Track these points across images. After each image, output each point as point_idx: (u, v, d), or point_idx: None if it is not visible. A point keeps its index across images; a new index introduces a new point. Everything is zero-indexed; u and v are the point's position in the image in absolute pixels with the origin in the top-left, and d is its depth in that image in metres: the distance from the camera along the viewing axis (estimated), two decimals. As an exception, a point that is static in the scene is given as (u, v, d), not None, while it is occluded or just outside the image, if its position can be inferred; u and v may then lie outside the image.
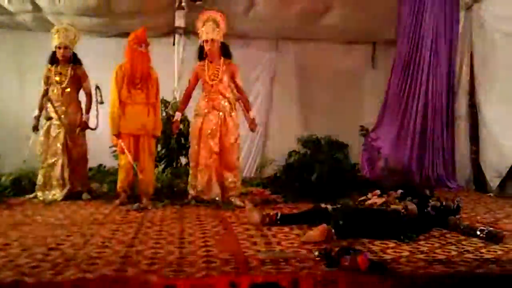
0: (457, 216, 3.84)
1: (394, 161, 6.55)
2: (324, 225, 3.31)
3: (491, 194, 5.97)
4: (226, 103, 5.04)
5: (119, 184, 5.05)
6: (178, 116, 5.27)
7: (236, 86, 5.10)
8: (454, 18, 6.69)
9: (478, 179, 6.52)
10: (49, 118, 5.30)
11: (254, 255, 2.85)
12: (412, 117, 6.68)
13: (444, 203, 3.91)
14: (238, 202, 4.88)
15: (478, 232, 3.41)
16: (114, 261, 2.67)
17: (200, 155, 4.99)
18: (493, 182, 6.10)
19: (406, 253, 2.97)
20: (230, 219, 4.15)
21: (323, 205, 3.89)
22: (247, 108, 5.17)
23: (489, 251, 3.06)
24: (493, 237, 3.31)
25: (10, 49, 7.60)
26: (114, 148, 5.89)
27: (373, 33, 8.04)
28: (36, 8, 6.75)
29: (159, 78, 5.14)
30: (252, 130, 5.22)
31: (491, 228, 3.46)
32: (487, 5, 6.35)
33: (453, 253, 2.99)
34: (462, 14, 6.75)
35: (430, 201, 3.91)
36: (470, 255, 2.93)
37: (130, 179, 5.02)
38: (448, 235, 3.53)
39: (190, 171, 5.15)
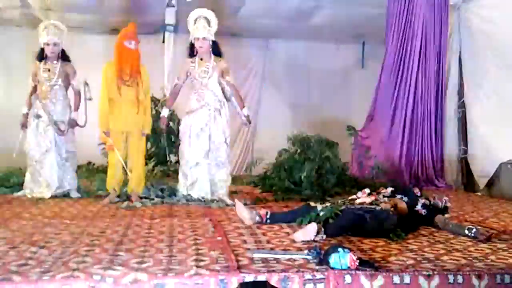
0: (445, 215, 3.87)
1: (384, 160, 6.58)
2: (314, 223, 3.32)
3: (479, 193, 6.03)
4: (216, 101, 5.03)
5: (108, 182, 5.02)
6: (165, 112, 5.24)
7: (228, 83, 5.08)
8: (443, 18, 6.74)
9: (467, 178, 6.58)
10: (37, 116, 5.25)
11: (244, 253, 2.84)
12: (401, 117, 6.72)
13: (432, 202, 3.94)
14: (228, 200, 4.87)
15: (466, 231, 3.44)
16: (103, 259, 2.65)
17: (190, 152, 4.98)
18: (481, 181, 6.16)
19: (395, 252, 2.98)
20: (220, 217, 4.14)
21: (312, 204, 3.90)
22: (240, 104, 5.15)
23: (477, 249, 3.08)
24: (482, 236, 3.33)
25: (-2, 45, 7.54)
26: (103, 146, 5.86)
27: (362, 32, 8.08)
28: (25, 4, 6.70)
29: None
30: (247, 125, 5.20)
31: (479, 227, 3.49)
32: (475, 6, 6.40)
33: (442, 251, 3.01)
34: (451, 15, 6.79)
35: (420, 199, 3.93)
36: (458, 254, 2.95)
37: (119, 177, 4.99)
38: (436, 234, 3.55)
39: (180, 169, 5.14)
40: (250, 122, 5.20)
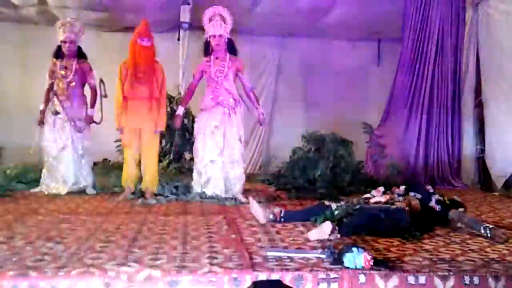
0: (460, 210, 3.81)
1: (399, 158, 6.52)
2: (328, 222, 3.30)
3: (496, 193, 5.95)
4: (231, 99, 5.04)
5: (123, 179, 5.06)
6: (180, 110, 5.27)
7: (243, 82, 5.09)
8: (460, 15, 6.66)
9: (484, 178, 6.49)
10: (55, 113, 5.30)
11: (257, 251, 2.84)
12: (417, 115, 6.65)
13: (446, 199, 3.89)
14: (242, 198, 4.88)
15: (482, 230, 3.39)
16: (117, 256, 2.67)
17: (205, 150, 4.99)
18: (499, 181, 6.07)
19: (410, 252, 2.95)
20: (234, 215, 4.14)
21: (327, 203, 3.88)
22: (256, 103, 5.15)
23: (494, 250, 3.04)
24: (497, 236, 3.28)
25: (15, 43, 7.66)
26: (119, 143, 5.91)
27: (378, 30, 8.02)
28: (42, 1, 6.76)
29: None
30: (263, 125, 5.21)
31: (496, 228, 3.43)
32: (494, 2, 6.30)
33: (458, 252, 2.98)
34: (469, 11, 6.70)
35: (433, 196, 3.89)
36: (475, 254, 2.91)
37: (134, 174, 5.02)
38: (452, 234, 3.51)
39: (194, 167, 5.15)
40: (265, 120, 5.18)
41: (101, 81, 5.37)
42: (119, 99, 4.96)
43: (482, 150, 6.51)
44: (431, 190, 4.07)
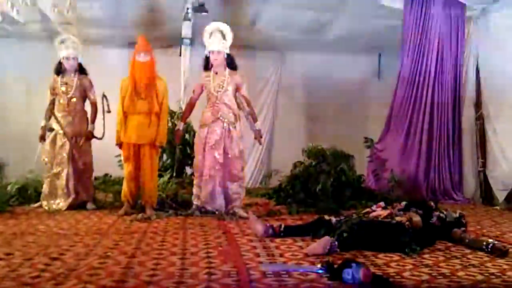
0: (462, 229, 3.81)
1: (400, 172, 6.50)
2: (327, 237, 3.29)
3: (498, 207, 5.92)
4: (231, 114, 5.06)
5: (123, 194, 5.07)
6: (180, 125, 5.30)
7: (243, 98, 5.11)
8: (460, 30, 6.68)
9: (485, 192, 6.46)
10: (51, 130, 5.33)
11: (256, 267, 2.83)
12: (418, 129, 6.64)
13: (445, 214, 3.88)
14: (242, 213, 4.87)
15: (483, 246, 3.37)
16: (115, 272, 2.66)
17: (205, 165, 5.00)
18: (500, 195, 6.04)
19: (410, 267, 2.94)
20: (233, 230, 4.13)
21: (326, 217, 3.88)
22: (253, 119, 5.17)
23: (494, 265, 3.02)
24: (498, 251, 3.27)
25: (19, 59, 7.69)
26: (119, 158, 5.92)
27: (378, 44, 8.06)
28: (45, 18, 6.82)
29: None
30: (259, 141, 5.24)
31: (497, 242, 3.41)
32: (495, 17, 6.33)
33: (458, 267, 2.96)
34: (469, 26, 6.73)
35: (435, 213, 3.88)
36: (475, 269, 2.90)
37: (133, 189, 5.03)
38: (453, 249, 3.49)
39: (195, 182, 5.16)
40: (261, 137, 5.19)
41: (104, 96, 5.40)
42: (119, 113, 5.00)
43: (483, 164, 6.48)
44: (434, 207, 4.06)
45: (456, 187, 6.69)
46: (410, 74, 6.69)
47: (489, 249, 3.32)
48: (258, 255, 3.15)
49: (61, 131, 5.30)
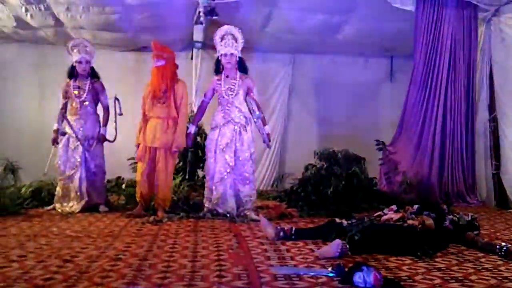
0: (475, 232, 3.77)
1: (413, 175, 6.45)
2: (339, 240, 3.28)
3: (512, 210, 5.85)
4: (242, 117, 5.07)
5: (137, 195, 5.13)
6: (192, 128, 5.32)
7: (253, 101, 5.11)
8: (472, 31, 6.61)
9: (499, 195, 6.38)
10: (63, 133, 5.39)
11: (267, 269, 2.82)
12: (431, 131, 6.58)
13: (459, 217, 3.84)
14: (253, 215, 4.87)
15: (497, 249, 3.33)
16: (126, 274, 2.68)
17: (216, 168, 5.01)
18: (514, 198, 5.97)
19: (422, 270, 2.92)
20: (244, 233, 4.13)
21: (338, 220, 3.86)
22: (263, 123, 5.17)
23: (508, 269, 2.98)
24: (511, 254, 3.23)
25: (32, 63, 7.79)
26: (132, 161, 5.96)
27: (391, 46, 8.01)
28: (58, 23, 6.89)
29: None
30: (268, 145, 5.23)
31: (510, 245, 3.37)
32: (507, 18, 6.27)
33: (471, 270, 2.93)
34: (481, 28, 6.67)
35: (448, 216, 3.85)
36: (488, 273, 2.86)
37: (145, 190, 5.06)
38: (466, 252, 3.46)
39: (206, 184, 5.17)
40: (270, 141, 5.19)
41: (116, 99, 5.45)
42: (141, 117, 5.12)
43: (497, 166, 6.41)
44: (446, 210, 4.02)
45: (470, 190, 6.61)
46: (423, 76, 6.64)
47: (502, 253, 3.28)
48: (269, 258, 3.15)
49: (73, 135, 5.35)
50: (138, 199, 5.12)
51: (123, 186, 5.91)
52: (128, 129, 5.62)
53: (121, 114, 5.46)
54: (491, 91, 6.61)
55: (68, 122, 5.35)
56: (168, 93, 5.01)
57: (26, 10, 6.57)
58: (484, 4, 6.48)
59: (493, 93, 6.56)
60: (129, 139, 5.49)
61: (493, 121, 6.54)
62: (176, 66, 5.17)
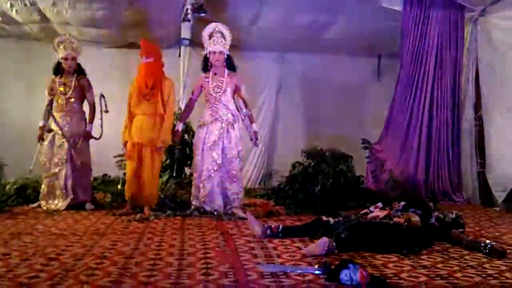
0: (460, 230, 3.81)
1: (399, 173, 6.50)
2: (325, 238, 3.29)
3: (497, 208, 5.92)
4: (229, 115, 5.07)
5: (126, 193, 5.10)
6: (179, 126, 5.30)
7: (241, 99, 5.10)
8: (459, 31, 6.67)
9: (484, 193, 6.46)
10: (49, 131, 5.34)
11: (254, 267, 2.82)
12: (417, 130, 6.64)
13: (444, 214, 3.88)
14: (240, 213, 4.87)
15: (482, 247, 3.37)
16: (112, 272, 2.66)
17: (203, 166, 5.00)
18: (499, 196, 6.04)
19: (408, 268, 2.94)
20: (231, 230, 4.13)
21: (325, 218, 3.88)
22: (250, 121, 5.17)
23: (492, 266, 3.02)
24: (496, 252, 3.26)
25: (18, 59, 7.69)
26: (118, 158, 5.93)
27: (378, 45, 8.05)
28: (44, 18, 6.82)
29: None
30: (255, 144, 5.22)
31: (495, 243, 3.41)
32: (494, 18, 6.33)
33: (455, 268, 2.96)
34: (468, 27, 6.73)
35: (434, 213, 3.88)
36: (472, 271, 2.89)
37: (134, 188, 5.03)
38: (451, 250, 3.49)
39: (193, 182, 5.16)
40: (257, 139, 5.19)
41: (102, 96, 5.41)
42: (126, 114, 5.08)
43: (482, 165, 6.48)
44: (432, 207, 4.06)
45: (455, 188, 6.68)
46: (410, 75, 6.70)
47: (487, 250, 3.32)
48: (255, 256, 3.15)
49: (59, 132, 5.30)
50: (127, 198, 5.08)
51: (119, 186, 5.82)
52: (114, 126, 5.57)
53: (106, 111, 5.42)
54: (476, 90, 6.68)
55: (54, 119, 5.30)
56: (155, 90, 4.99)
57: (11, 6, 6.49)
58: (470, 4, 6.54)
59: (478, 92, 6.62)
60: (115, 136, 5.43)
61: (479, 119, 6.61)
62: (163, 64, 5.14)
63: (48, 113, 5.36)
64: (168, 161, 6.44)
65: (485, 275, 2.78)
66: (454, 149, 6.72)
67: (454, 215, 3.92)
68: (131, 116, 5.06)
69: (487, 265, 3.04)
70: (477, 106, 6.67)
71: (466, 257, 3.25)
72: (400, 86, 6.77)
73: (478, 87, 6.64)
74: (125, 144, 5.09)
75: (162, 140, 5.02)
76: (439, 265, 3.02)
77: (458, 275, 2.78)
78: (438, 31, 6.62)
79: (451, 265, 3.02)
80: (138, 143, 4.98)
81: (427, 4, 6.60)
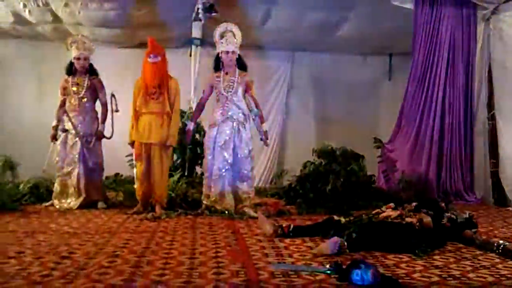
0: (473, 230, 3.77)
1: (411, 173, 6.46)
2: (337, 238, 3.28)
3: (510, 208, 5.86)
4: (241, 114, 5.07)
5: (137, 193, 5.11)
6: (190, 125, 5.32)
7: (251, 98, 5.11)
8: (471, 29, 6.61)
9: (497, 193, 6.39)
10: (64, 131, 5.38)
11: (265, 267, 2.82)
12: (429, 129, 6.58)
13: (456, 214, 3.85)
14: (251, 212, 4.87)
15: (495, 247, 3.34)
16: (124, 271, 2.67)
17: (214, 165, 5.01)
18: (512, 195, 5.98)
19: (420, 268, 2.92)
20: (242, 230, 4.13)
21: (336, 217, 3.86)
22: (261, 120, 5.17)
23: (505, 266, 2.99)
24: (509, 252, 3.23)
25: (30, 59, 7.78)
26: (130, 157, 5.96)
27: (389, 44, 8.01)
28: (56, 19, 6.88)
29: (176, 88, 5.19)
30: (265, 143, 5.22)
31: (508, 243, 3.37)
32: (506, 16, 6.26)
33: (468, 268, 2.93)
34: (480, 26, 6.66)
35: (446, 214, 3.85)
36: (485, 271, 2.87)
37: (145, 188, 5.05)
38: (463, 250, 3.46)
39: (204, 181, 5.17)
40: (267, 138, 5.19)
41: (113, 95, 5.44)
42: (132, 113, 5.08)
43: (495, 164, 6.41)
44: (444, 208, 4.02)
45: (468, 187, 6.62)
46: (421, 75, 6.64)
47: (500, 251, 3.28)
48: (267, 255, 3.14)
49: (72, 131, 5.34)
50: (138, 197, 5.10)
51: (121, 182, 5.87)
52: (127, 125, 5.60)
53: (117, 111, 5.45)
54: (489, 89, 6.61)
55: (69, 118, 5.34)
56: (162, 89, 5.01)
57: (24, 6, 6.56)
58: (483, 2, 6.47)
59: (491, 91, 6.56)
60: (127, 135, 5.47)
61: (492, 119, 6.55)
62: (167, 63, 5.17)
63: (63, 112, 5.40)
64: (179, 160, 6.48)
65: (498, 276, 2.76)
66: (467, 149, 6.65)
67: (467, 215, 3.89)
68: (136, 115, 5.07)
69: (500, 266, 3.01)
70: (490, 105, 6.60)
71: (479, 257, 3.22)
72: (411, 85, 6.72)
73: (491, 86, 6.57)
74: (132, 144, 5.11)
75: (171, 141, 5.07)
76: (452, 265, 2.99)
77: (471, 275, 2.76)
78: (450, 30, 6.56)
79: (464, 265, 3.00)
80: (146, 143, 5.00)
81: (439, 2, 6.55)
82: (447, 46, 6.55)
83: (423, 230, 3.55)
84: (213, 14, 6.61)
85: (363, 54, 8.45)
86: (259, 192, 6.49)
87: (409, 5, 6.55)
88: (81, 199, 5.29)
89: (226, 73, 5.12)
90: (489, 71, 6.59)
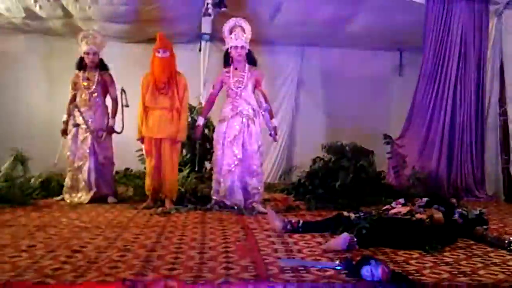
0: (484, 227, 3.75)
1: (421, 169, 6.42)
2: (346, 233, 3.27)
3: (522, 205, 5.82)
4: (250, 110, 5.07)
5: (146, 188, 5.13)
6: (200, 120, 5.33)
7: (261, 94, 5.10)
8: (483, 24, 6.53)
9: (509, 189, 6.34)
10: (75, 125, 5.41)
11: (274, 262, 2.83)
12: (439, 125, 6.53)
13: (467, 211, 3.82)
14: (260, 208, 4.88)
15: (506, 244, 3.32)
16: (135, 265, 2.69)
17: (224, 160, 5.02)
18: (524, 192, 5.93)
19: (430, 264, 2.91)
20: (252, 225, 4.14)
21: (345, 213, 3.85)
22: (270, 116, 5.16)
23: (517, 264, 2.97)
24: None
25: (41, 54, 7.82)
26: (140, 152, 5.99)
27: (400, 40, 7.95)
28: (67, 14, 6.90)
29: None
30: (274, 139, 5.22)
31: (519, 240, 3.35)
32: (519, 11, 6.21)
33: (479, 265, 2.91)
34: (492, 20, 6.59)
35: (457, 210, 3.83)
36: (496, 268, 2.85)
37: (155, 183, 5.07)
38: (474, 247, 3.44)
39: (214, 176, 5.18)
40: (276, 134, 5.18)
41: (123, 90, 5.46)
42: (140, 109, 5.07)
43: (507, 160, 6.36)
44: (455, 204, 4.00)
45: (479, 184, 6.56)
46: (432, 70, 6.58)
47: (511, 247, 3.26)
48: (276, 251, 3.15)
49: (83, 126, 5.38)
50: (147, 193, 5.13)
51: (131, 177, 5.89)
52: (136, 120, 5.62)
53: (127, 106, 5.48)
54: (501, 84, 6.55)
55: (81, 113, 5.37)
56: (171, 84, 5.02)
57: (35, 1, 6.58)
58: (495, -4, 6.41)
59: (503, 87, 6.50)
60: (137, 130, 5.50)
61: (503, 114, 6.49)
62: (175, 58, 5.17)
63: (75, 107, 5.43)
64: (189, 156, 6.49)
65: (509, 273, 2.74)
66: (478, 145, 6.59)
67: (478, 212, 3.86)
68: (146, 111, 5.07)
69: (511, 262, 2.99)
70: (502, 101, 6.54)
71: (490, 254, 3.20)
72: (422, 81, 6.66)
73: (503, 82, 6.51)
74: (141, 140, 5.12)
75: (181, 136, 5.09)
76: (462, 262, 2.98)
77: (482, 272, 2.74)
78: (462, 25, 6.48)
79: (474, 262, 2.98)
80: (156, 138, 5.02)
81: (451, -4, 6.49)
82: (458, 41, 6.48)
83: (434, 226, 3.53)
84: (223, 9, 6.59)
85: (373, 49, 8.39)
86: (268, 187, 6.49)
87: (421, 0, 6.49)
88: (91, 193, 5.33)
89: (236, 69, 5.11)
90: (501, 66, 6.52)
